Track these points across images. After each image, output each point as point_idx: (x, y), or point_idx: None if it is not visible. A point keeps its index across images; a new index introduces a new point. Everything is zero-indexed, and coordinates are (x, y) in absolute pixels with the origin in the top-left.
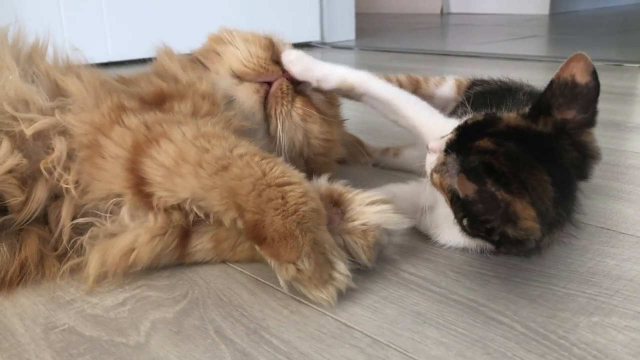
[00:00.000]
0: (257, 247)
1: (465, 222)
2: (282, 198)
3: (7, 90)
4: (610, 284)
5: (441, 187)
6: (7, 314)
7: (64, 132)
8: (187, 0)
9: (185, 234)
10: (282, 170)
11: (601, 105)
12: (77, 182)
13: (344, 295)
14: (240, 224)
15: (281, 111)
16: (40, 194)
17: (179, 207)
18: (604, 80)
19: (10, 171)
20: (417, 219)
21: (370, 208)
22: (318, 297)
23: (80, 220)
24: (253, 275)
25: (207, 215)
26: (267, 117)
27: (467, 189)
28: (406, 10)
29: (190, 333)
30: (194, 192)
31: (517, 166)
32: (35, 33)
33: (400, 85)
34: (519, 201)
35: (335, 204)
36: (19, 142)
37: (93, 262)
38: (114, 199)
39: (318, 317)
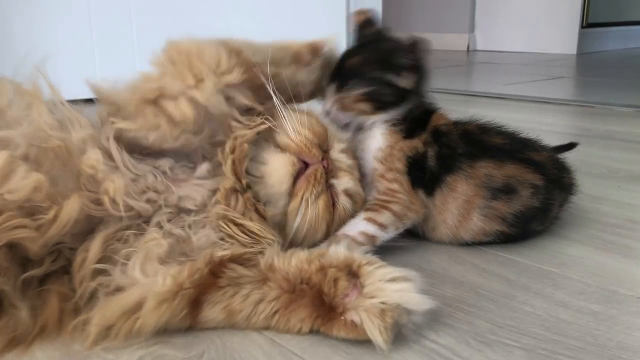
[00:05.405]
0: None
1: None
2: None
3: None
4: None
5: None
6: None
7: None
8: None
9: (195, 303)
10: None
11: (627, 155)
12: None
13: None
14: None
15: (308, 197)
16: (72, 206)
17: None
18: (631, 128)
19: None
20: None
21: (391, 285)
22: None
23: (99, 266)
24: (270, 336)
25: None
26: (290, 193)
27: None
28: (433, 46)
29: None
30: None
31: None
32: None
33: None
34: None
35: (354, 276)
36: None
37: (95, 319)
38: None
39: None
